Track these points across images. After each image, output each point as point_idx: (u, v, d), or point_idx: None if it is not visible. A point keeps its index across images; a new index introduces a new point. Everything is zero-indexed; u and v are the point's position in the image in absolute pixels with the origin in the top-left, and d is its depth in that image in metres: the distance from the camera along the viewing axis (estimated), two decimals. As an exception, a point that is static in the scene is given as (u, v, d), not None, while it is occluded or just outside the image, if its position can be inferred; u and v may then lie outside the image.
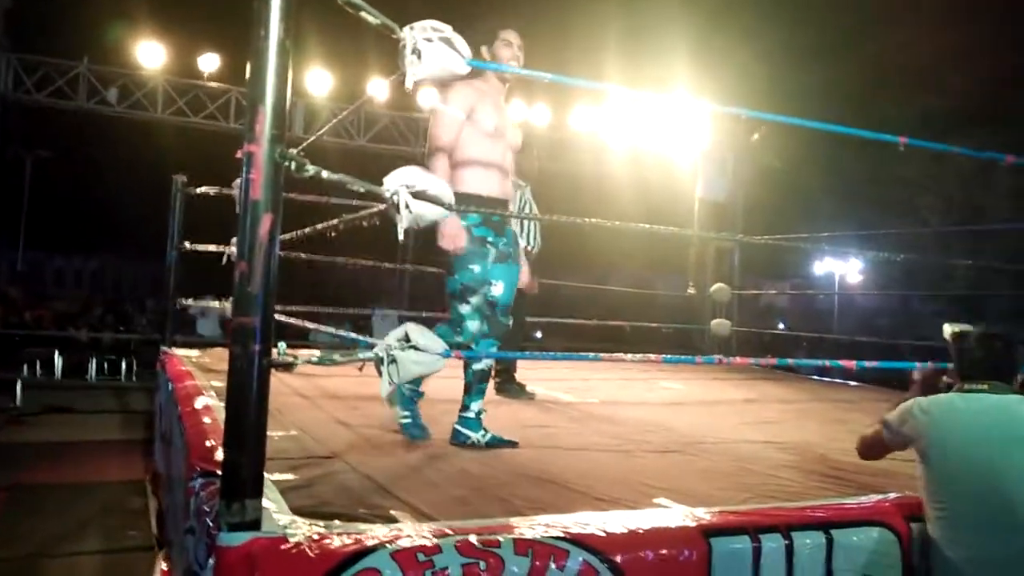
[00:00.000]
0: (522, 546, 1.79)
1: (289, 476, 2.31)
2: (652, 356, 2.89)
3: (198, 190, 5.60)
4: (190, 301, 5.67)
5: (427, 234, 3.05)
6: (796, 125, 3.06)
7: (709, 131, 8.28)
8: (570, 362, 6.29)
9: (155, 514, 3.82)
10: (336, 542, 1.69)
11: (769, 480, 2.70)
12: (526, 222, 4.52)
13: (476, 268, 3.03)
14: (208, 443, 2.50)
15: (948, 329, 2.62)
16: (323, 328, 4.40)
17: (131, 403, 7.79)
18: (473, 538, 1.78)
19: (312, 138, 5.97)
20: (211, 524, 1.81)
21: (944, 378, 2.57)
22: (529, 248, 4.46)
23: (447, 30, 2.23)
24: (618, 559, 1.85)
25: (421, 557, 1.69)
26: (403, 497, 2.18)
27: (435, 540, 1.75)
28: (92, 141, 12.24)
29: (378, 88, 8.95)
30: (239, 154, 1.76)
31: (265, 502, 1.85)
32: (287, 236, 4.02)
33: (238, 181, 1.97)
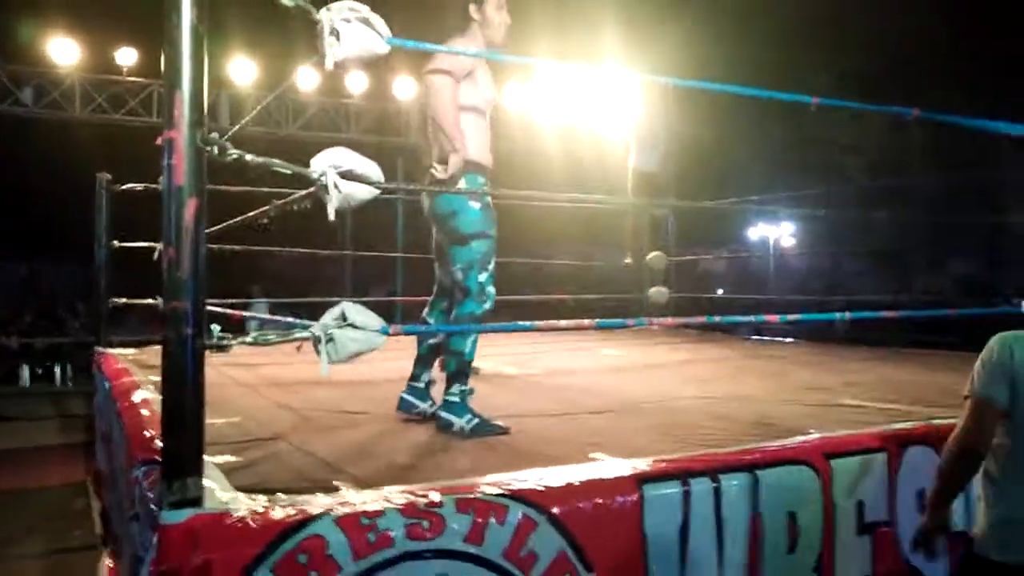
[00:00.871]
0: (463, 505, 1.87)
1: (231, 458, 2.33)
2: (585, 321, 2.96)
3: (124, 187, 5.48)
4: (123, 300, 5.56)
5: (420, 218, 3.02)
6: (720, 92, 3.15)
7: (639, 103, 8.42)
8: (514, 334, 6.36)
9: (99, 513, 3.79)
10: (279, 513, 1.74)
11: (701, 431, 2.83)
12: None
13: (492, 233, 3.02)
14: (148, 433, 2.50)
15: None
16: (257, 315, 4.38)
17: (69, 408, 7.61)
18: (415, 499, 1.85)
19: (236, 127, 5.88)
20: (154, 507, 1.83)
21: None
22: None
23: (364, 10, 2.25)
24: (556, 510, 1.95)
25: (365, 521, 1.75)
26: (346, 469, 2.23)
27: (378, 504, 1.81)
28: (10, 144, 11.77)
29: (304, 74, 8.84)
30: (159, 141, 1.77)
31: (208, 482, 1.87)
32: (217, 228, 4.00)
33: None
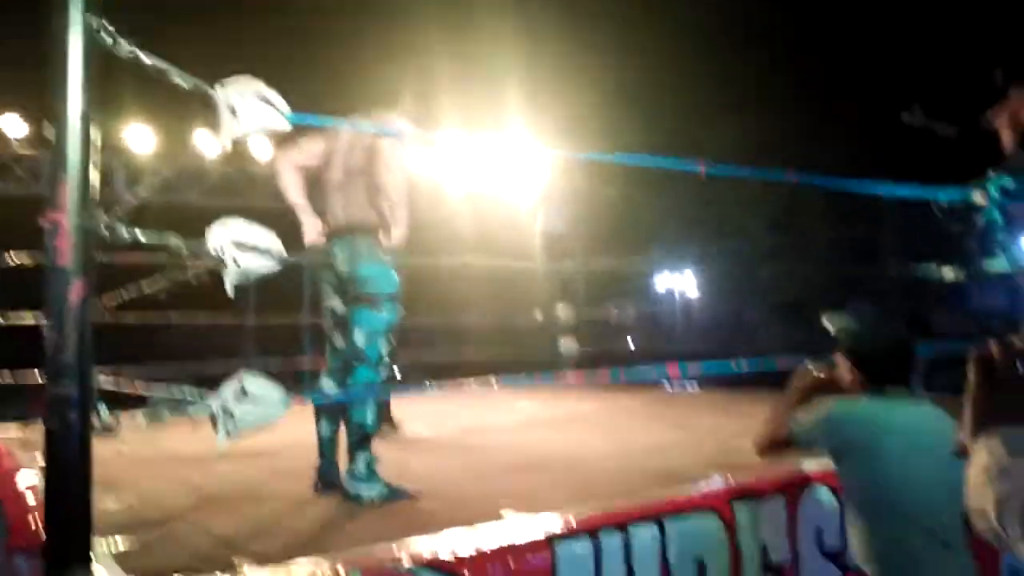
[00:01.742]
0: (370, 576, 1.82)
1: (125, 543, 2.21)
2: (492, 378, 2.99)
3: (13, 263, 5.25)
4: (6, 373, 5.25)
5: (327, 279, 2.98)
6: (619, 163, 3.27)
7: (546, 168, 8.66)
8: (429, 396, 6.29)
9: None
10: (174, 600, 1.66)
11: (610, 483, 2.86)
12: None
13: (399, 306, 3.04)
14: (31, 521, 2.35)
15: (830, 321, 2.21)
16: (152, 392, 4.15)
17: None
18: (319, 573, 1.80)
19: (136, 201, 5.74)
20: (37, 602, 1.71)
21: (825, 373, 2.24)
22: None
23: (261, 87, 2.25)
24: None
25: (266, 601, 1.69)
26: (247, 547, 2.15)
27: (279, 582, 1.75)
28: None
29: (205, 141, 8.70)
30: (43, 223, 1.71)
31: (99, 570, 1.77)
32: (113, 302, 3.87)
33: None
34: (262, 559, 1.97)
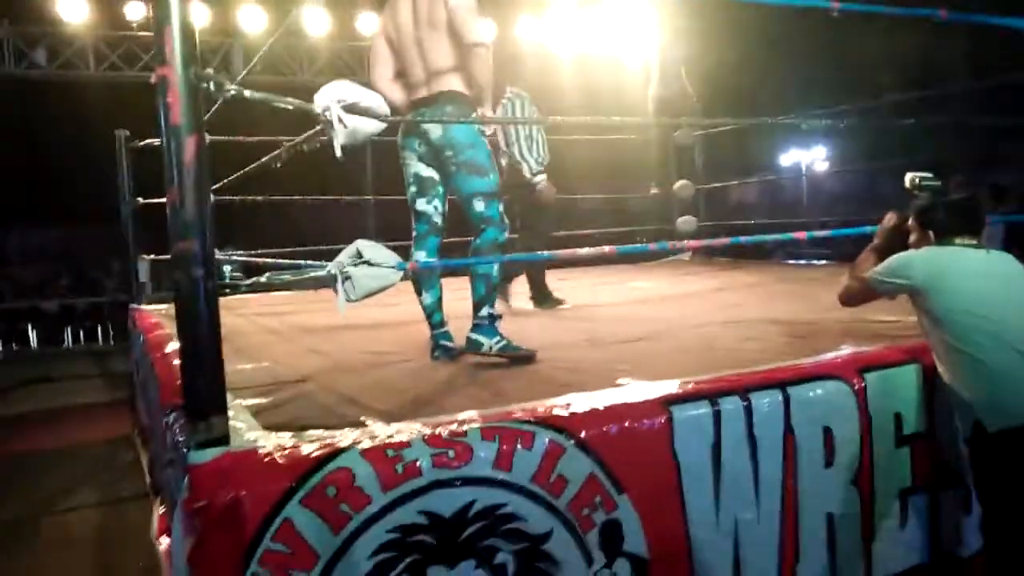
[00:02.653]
0: (488, 433, 1.86)
1: (260, 400, 2.35)
2: (606, 248, 2.91)
3: (143, 143, 5.47)
4: (151, 257, 5.59)
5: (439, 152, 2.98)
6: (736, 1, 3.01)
7: (657, 29, 8.14)
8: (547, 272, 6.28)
9: (147, 464, 3.87)
10: (306, 448, 1.74)
11: (731, 353, 2.78)
12: (537, 135, 4.60)
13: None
14: (179, 380, 2.52)
15: (911, 178, 2.53)
16: (275, 262, 4.29)
17: (111, 366, 7.75)
18: (441, 430, 1.84)
19: (244, 72, 5.81)
20: (183, 449, 1.85)
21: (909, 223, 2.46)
22: (542, 161, 4.63)
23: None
24: (583, 435, 1.93)
25: (391, 453, 1.75)
26: (372, 405, 2.23)
27: (404, 436, 1.81)
28: (28, 109, 11.78)
29: (314, 17, 8.70)
30: (153, 79, 1.72)
31: (236, 422, 1.89)
32: (223, 182, 3.98)
33: None
34: (387, 417, 2.04)
